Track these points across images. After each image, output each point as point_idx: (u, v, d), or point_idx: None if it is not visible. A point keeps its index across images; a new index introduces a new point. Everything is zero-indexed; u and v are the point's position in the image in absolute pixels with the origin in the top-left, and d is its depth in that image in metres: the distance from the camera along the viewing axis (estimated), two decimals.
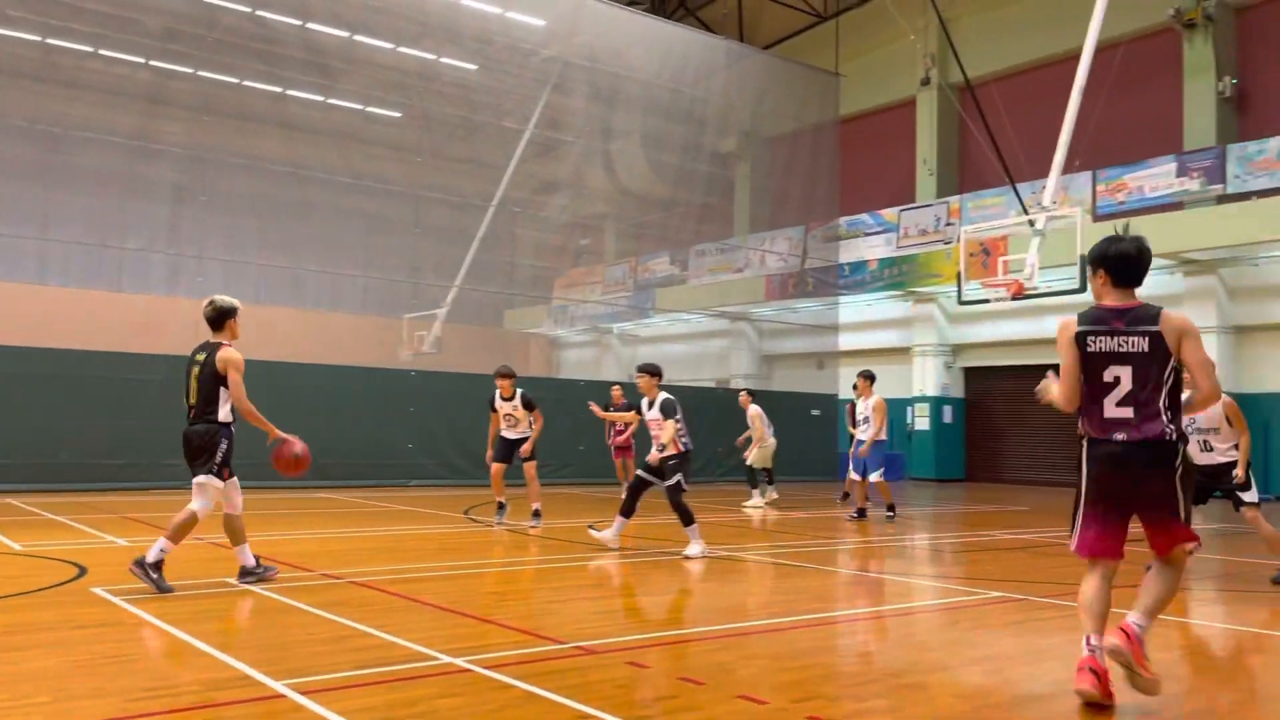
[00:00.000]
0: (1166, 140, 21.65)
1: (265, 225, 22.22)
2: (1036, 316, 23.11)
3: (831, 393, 25.62)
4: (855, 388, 13.96)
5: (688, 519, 9.27)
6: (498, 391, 11.90)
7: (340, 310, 23.20)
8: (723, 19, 27.81)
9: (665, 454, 9.30)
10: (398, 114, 24.11)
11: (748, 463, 16.04)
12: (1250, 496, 8.22)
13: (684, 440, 9.39)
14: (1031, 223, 15.45)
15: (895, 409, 17.50)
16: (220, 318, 7.17)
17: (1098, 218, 20.78)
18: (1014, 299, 15.62)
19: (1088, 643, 4.53)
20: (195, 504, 6.91)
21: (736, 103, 27.03)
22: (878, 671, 5.19)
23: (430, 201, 23.28)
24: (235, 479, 7.20)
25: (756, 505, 15.58)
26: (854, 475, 13.93)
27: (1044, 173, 16.09)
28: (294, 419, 9.43)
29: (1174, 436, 4.45)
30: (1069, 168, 16.42)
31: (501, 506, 12.04)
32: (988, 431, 25.55)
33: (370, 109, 23.72)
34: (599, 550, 9.65)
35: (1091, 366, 4.52)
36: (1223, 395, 6.28)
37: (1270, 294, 20.30)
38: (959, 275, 16.58)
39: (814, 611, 6.87)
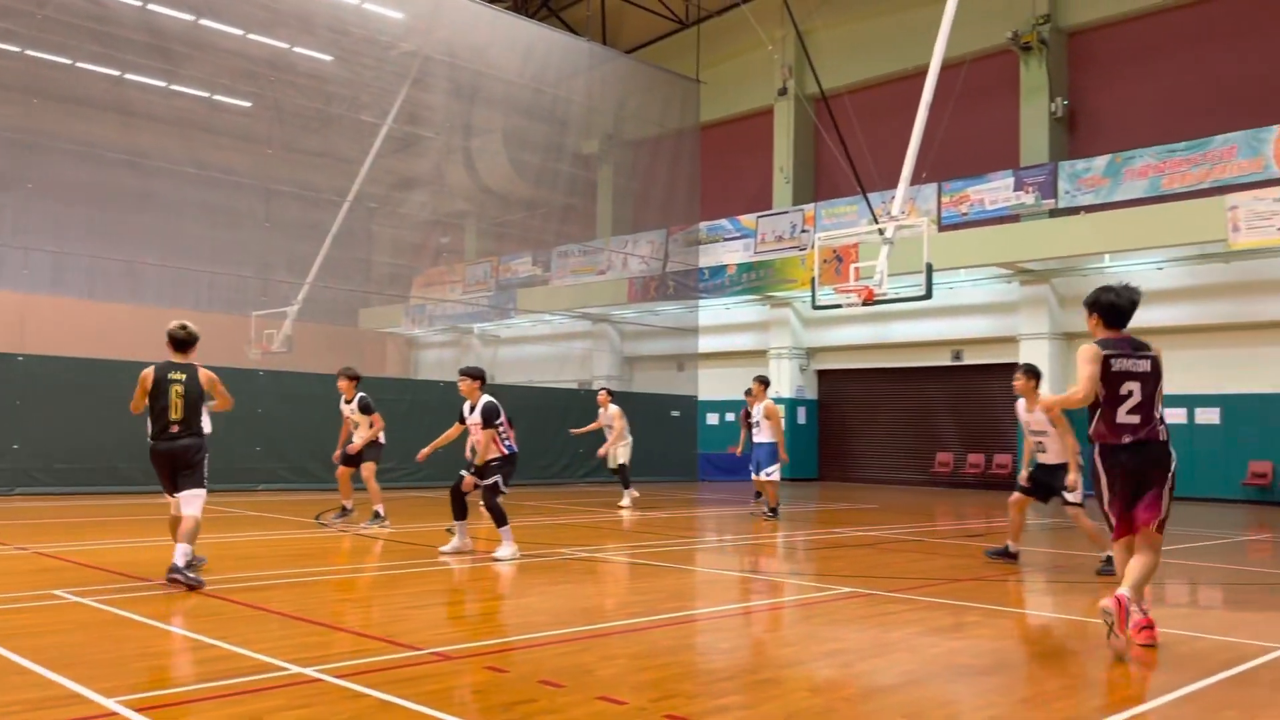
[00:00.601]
0: (1005, 156, 22.88)
1: (99, 216, 20.93)
2: (885, 322, 24.07)
3: (691, 394, 25.99)
4: (749, 392, 14.56)
5: (501, 520, 9.20)
6: (343, 394, 12.00)
7: (182, 307, 22.04)
8: (586, 21, 27.85)
9: (490, 457, 9.27)
10: (247, 103, 23.11)
11: (621, 462, 16.08)
12: (1074, 497, 8.79)
13: (507, 444, 9.38)
14: (881, 231, 16.03)
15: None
16: (193, 342, 7.82)
17: (943, 227, 21.79)
18: (865, 304, 16.18)
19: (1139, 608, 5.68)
20: (197, 511, 7.52)
21: (599, 105, 27.11)
22: (734, 668, 5.27)
23: (282, 195, 22.42)
24: None
25: (629, 505, 15.71)
26: (757, 475, 14.44)
27: (893, 183, 16.73)
28: (130, 422, 8.89)
29: (1167, 438, 5.80)
30: (916, 179, 17.12)
31: (345, 510, 12.10)
32: (839, 432, 26.41)
33: (217, 97, 22.62)
34: (455, 554, 9.47)
35: (1113, 382, 5.74)
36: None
37: None
38: (813, 281, 17.07)
39: (673, 610, 6.93)
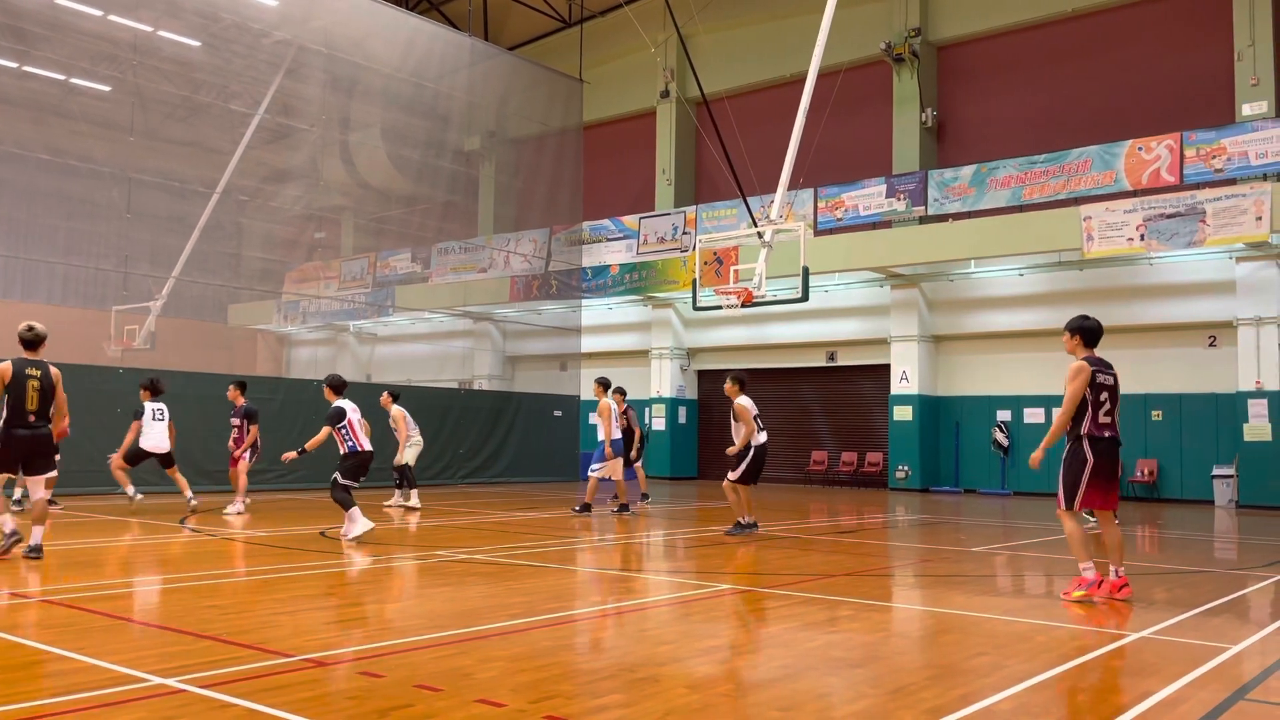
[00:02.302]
0: (878, 163, 23.62)
1: None
2: (763, 323, 24.54)
3: (574, 394, 25.96)
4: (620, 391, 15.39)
5: (346, 506, 10.42)
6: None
7: (35, 300, 20.85)
8: (467, 16, 27.50)
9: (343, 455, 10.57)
10: (106, 88, 21.95)
11: (405, 463, 15.37)
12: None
13: (350, 443, 10.56)
14: (760, 234, 16.31)
15: (634, 409, 18.09)
16: (41, 341, 8.78)
17: (819, 232, 22.35)
18: (744, 306, 16.44)
19: (1116, 572, 7.40)
20: (48, 493, 9.04)
21: (481, 101, 26.81)
22: (613, 667, 5.29)
23: (144, 185, 21.38)
24: None
25: (400, 505, 15.23)
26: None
27: (772, 187, 17.06)
28: None
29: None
30: (794, 184, 17.50)
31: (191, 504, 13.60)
32: (719, 431, 26.76)
33: (74, 80, 21.43)
34: (327, 558, 9.23)
35: (1097, 392, 7.29)
36: None
37: (963, 307, 22.62)
38: (694, 282, 17.27)
39: (551, 611, 6.90)
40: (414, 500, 15.21)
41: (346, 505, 10.40)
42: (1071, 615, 6.91)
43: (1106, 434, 7.31)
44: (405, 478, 15.45)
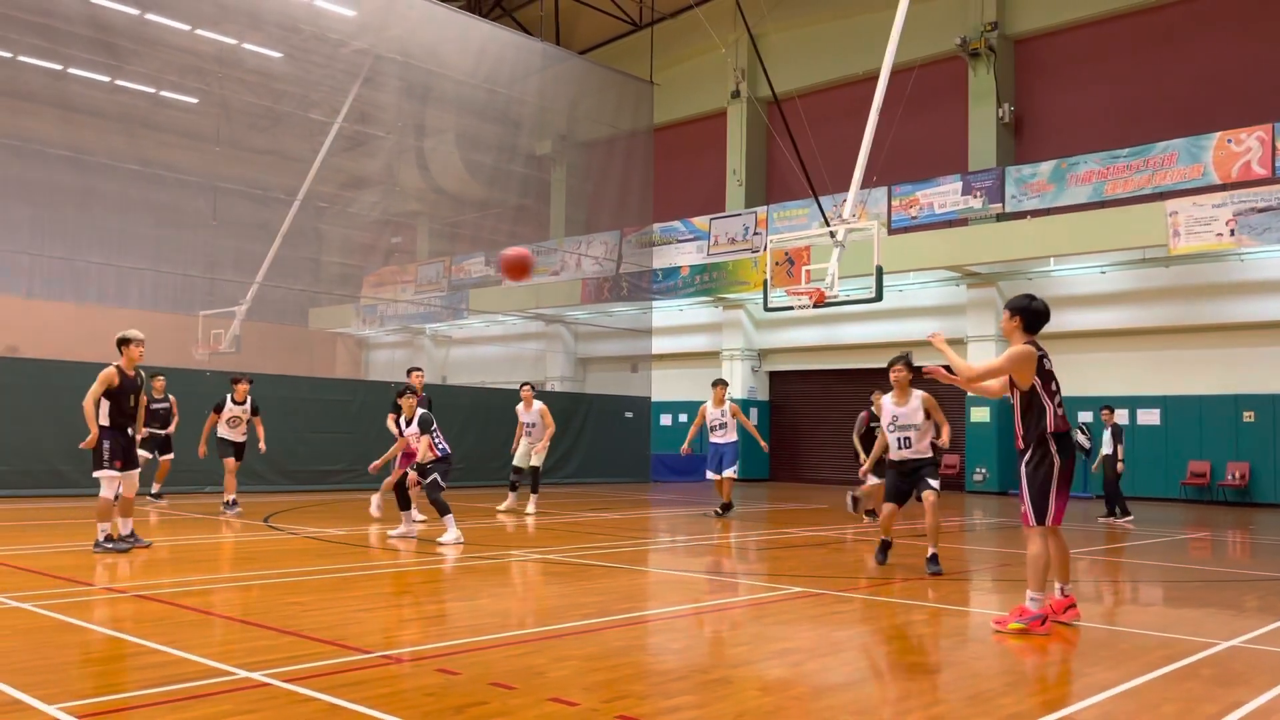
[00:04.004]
0: (953, 160, 23.21)
1: (41, 214, 20.47)
2: (835, 324, 24.31)
3: (645, 395, 26.02)
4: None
5: (443, 510, 10.49)
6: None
7: (127, 307, 21.63)
8: (539, 21, 27.77)
9: (427, 459, 10.58)
10: (193, 100, 22.70)
11: (535, 465, 14.88)
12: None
13: (441, 447, 10.65)
14: (833, 234, 16.16)
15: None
16: (118, 345, 9.36)
17: (893, 231, 22.04)
18: (816, 307, 16.31)
19: (1061, 591, 6.40)
20: (103, 489, 9.22)
21: (552, 105, 27.04)
22: (686, 668, 5.30)
23: (229, 193, 22.06)
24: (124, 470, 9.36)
25: (516, 508, 14.89)
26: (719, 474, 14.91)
27: (844, 186, 16.89)
28: (73, 423, 8.70)
29: None
30: (867, 182, 17.31)
31: (232, 503, 13.53)
32: (791, 433, 26.60)
33: (163, 93, 22.19)
34: (403, 557, 9.40)
35: (1047, 377, 6.27)
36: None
37: None
38: (765, 283, 17.17)
39: (625, 611, 6.94)
40: (531, 506, 14.67)
41: (445, 510, 10.50)
42: (1158, 622, 6.71)
43: (1065, 430, 6.31)
44: (533, 480, 14.80)
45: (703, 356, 27.14)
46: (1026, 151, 22.83)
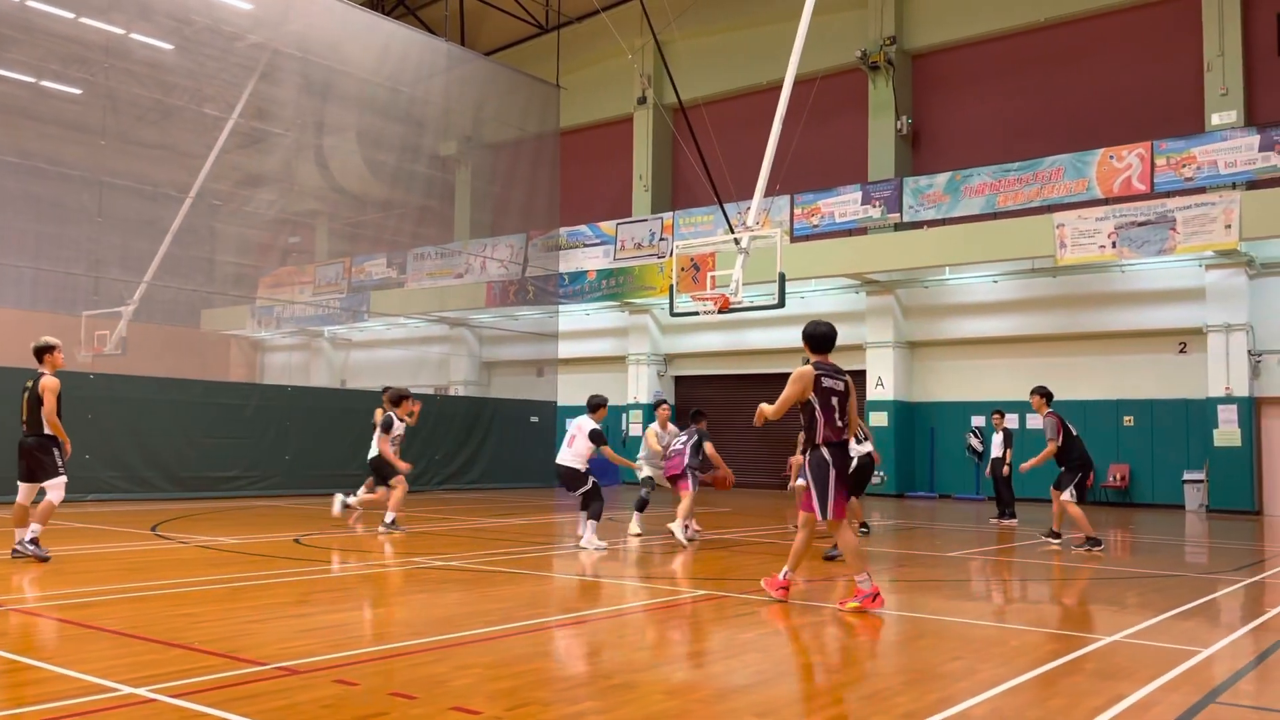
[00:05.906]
0: (854, 170, 23.75)
1: None
2: (740, 329, 24.59)
3: (551, 400, 25.90)
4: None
5: (599, 516, 11.16)
6: None
7: (4, 306, 20.58)
8: (444, 21, 27.42)
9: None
10: (77, 91, 21.69)
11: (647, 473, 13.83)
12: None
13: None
14: (737, 241, 16.34)
15: (611, 416, 18.04)
16: (36, 352, 9.42)
17: (795, 239, 22.43)
18: (720, 312, 16.46)
19: (785, 574, 7.47)
20: (55, 495, 9.23)
21: (457, 106, 26.72)
22: (590, 674, 5.27)
23: (116, 189, 21.12)
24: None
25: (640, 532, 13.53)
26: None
27: (749, 194, 17.10)
28: None
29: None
30: (770, 191, 17.56)
31: None
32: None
33: (44, 83, 21.17)
34: (304, 566, 9.15)
35: (824, 396, 7.14)
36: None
37: (937, 313, 22.77)
38: (671, 288, 17.27)
39: (528, 618, 6.87)
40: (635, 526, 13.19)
41: (600, 516, 11.13)
42: (1045, 620, 6.95)
43: (842, 437, 7.21)
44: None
45: (609, 361, 27.17)
46: (923, 163, 23.50)
